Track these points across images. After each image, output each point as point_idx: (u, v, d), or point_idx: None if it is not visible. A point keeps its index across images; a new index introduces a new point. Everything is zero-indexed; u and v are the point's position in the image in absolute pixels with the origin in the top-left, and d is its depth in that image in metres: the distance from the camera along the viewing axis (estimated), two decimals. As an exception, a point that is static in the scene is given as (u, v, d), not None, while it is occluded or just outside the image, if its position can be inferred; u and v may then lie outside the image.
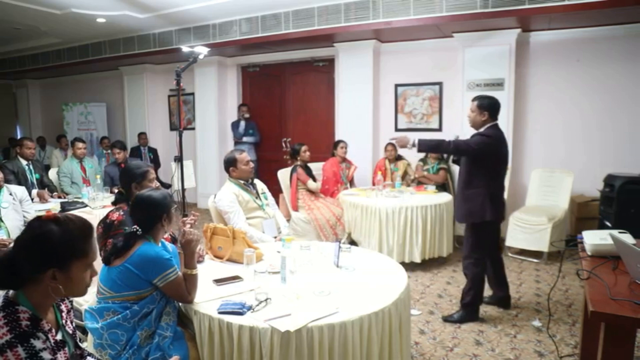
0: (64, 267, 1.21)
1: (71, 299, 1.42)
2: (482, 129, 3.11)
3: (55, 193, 4.75)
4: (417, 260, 4.23)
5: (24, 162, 4.68)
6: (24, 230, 1.25)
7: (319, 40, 5.89)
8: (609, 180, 3.98)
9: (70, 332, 1.36)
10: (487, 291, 3.42)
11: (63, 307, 1.37)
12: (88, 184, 4.97)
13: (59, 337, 1.27)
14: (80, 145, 5.21)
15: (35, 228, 1.21)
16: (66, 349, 1.27)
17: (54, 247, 1.19)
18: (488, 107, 3.08)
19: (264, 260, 2.50)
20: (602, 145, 4.97)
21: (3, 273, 1.19)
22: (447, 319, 3.22)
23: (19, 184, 4.42)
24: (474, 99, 3.16)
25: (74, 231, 1.23)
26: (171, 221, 2.01)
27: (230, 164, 3.27)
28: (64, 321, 1.33)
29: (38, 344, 1.14)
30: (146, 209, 1.94)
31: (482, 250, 3.15)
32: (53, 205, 4.01)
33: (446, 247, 4.43)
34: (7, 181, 4.32)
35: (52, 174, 5.33)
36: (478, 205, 3.07)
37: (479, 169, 3.09)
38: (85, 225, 1.28)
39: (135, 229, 1.92)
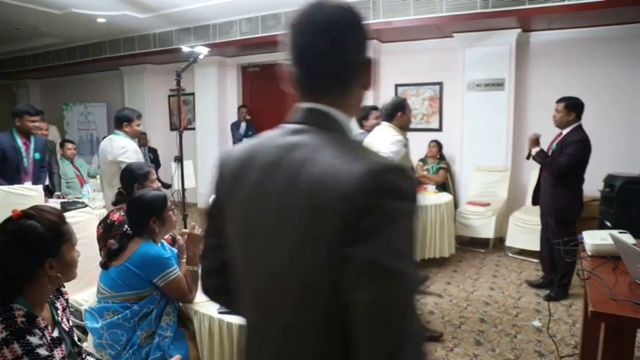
0: (57, 254, 1.24)
1: (66, 297, 1.43)
2: (567, 129, 3.45)
3: (56, 193, 4.74)
4: (417, 260, 4.22)
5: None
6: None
7: (319, 40, 5.88)
8: (609, 180, 3.98)
9: (67, 329, 1.36)
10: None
11: (58, 304, 1.37)
12: (83, 181, 5.01)
13: (55, 334, 1.27)
14: (70, 146, 5.38)
15: (15, 230, 1.20)
16: (63, 346, 1.27)
17: (42, 238, 1.21)
18: (575, 107, 3.41)
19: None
20: (602, 145, 4.94)
21: (2, 286, 1.18)
22: (549, 298, 3.45)
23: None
24: (561, 100, 3.46)
25: (52, 218, 1.26)
26: (164, 223, 1.97)
27: (398, 108, 3.00)
28: (59, 318, 1.34)
29: (34, 340, 1.14)
30: (135, 209, 1.95)
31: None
32: (53, 205, 4.00)
33: (447, 247, 4.43)
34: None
35: None
36: (569, 201, 3.46)
37: (573, 170, 3.41)
38: (56, 210, 1.33)
39: (125, 229, 1.92)
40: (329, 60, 0.79)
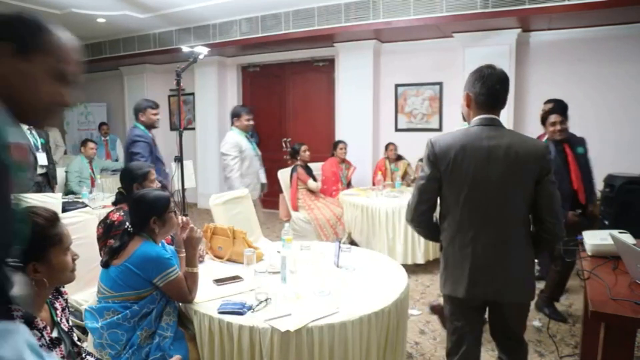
0: (42, 258, 1.21)
1: (65, 297, 1.42)
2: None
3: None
4: (421, 261, 4.22)
5: (24, 126, 4.59)
6: None
7: (319, 40, 5.89)
8: (609, 180, 3.98)
9: (66, 329, 1.35)
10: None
11: (57, 305, 1.36)
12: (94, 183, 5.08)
13: (54, 334, 1.27)
14: (92, 145, 5.41)
15: None
16: (62, 346, 1.27)
17: None
18: (566, 111, 3.50)
19: (264, 260, 2.50)
20: (602, 145, 4.96)
21: None
22: (553, 317, 3.24)
23: None
24: (554, 111, 3.41)
25: (40, 221, 1.23)
26: (164, 225, 1.96)
27: None
28: (58, 319, 1.33)
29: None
30: (137, 207, 1.95)
31: None
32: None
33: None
34: None
35: (60, 172, 5.31)
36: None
37: None
38: (49, 212, 1.28)
39: (127, 227, 1.92)
40: (504, 95, 1.77)
